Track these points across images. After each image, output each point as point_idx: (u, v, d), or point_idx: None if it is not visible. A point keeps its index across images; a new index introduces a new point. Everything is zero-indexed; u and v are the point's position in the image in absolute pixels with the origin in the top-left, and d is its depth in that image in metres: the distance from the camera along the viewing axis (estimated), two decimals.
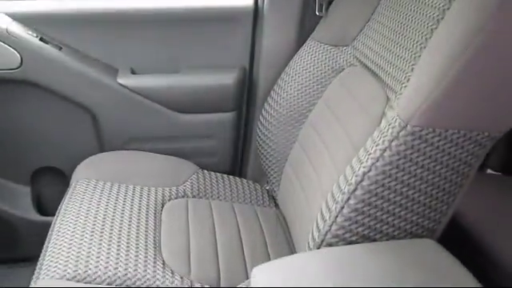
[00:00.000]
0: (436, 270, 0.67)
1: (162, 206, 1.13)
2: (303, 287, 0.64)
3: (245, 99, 1.43)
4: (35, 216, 1.43)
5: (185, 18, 1.36)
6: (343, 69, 1.10)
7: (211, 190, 1.25)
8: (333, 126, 1.00)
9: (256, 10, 1.35)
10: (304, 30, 1.30)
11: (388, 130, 0.73)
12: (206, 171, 1.32)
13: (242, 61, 1.40)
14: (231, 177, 1.34)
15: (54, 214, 1.28)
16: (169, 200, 1.16)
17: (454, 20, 0.70)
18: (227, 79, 1.36)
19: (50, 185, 1.47)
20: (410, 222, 0.76)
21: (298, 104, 1.19)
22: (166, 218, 1.09)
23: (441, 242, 0.76)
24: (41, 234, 1.25)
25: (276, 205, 1.26)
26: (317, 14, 1.24)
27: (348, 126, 0.92)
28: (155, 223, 1.06)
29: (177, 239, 1.03)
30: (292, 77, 1.22)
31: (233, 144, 1.44)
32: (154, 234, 1.02)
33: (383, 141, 0.72)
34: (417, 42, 0.79)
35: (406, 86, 0.76)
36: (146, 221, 1.05)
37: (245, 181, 1.35)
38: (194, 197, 1.21)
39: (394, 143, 0.71)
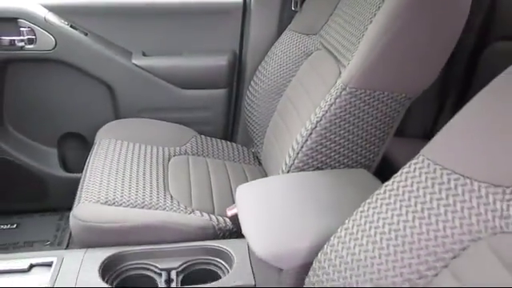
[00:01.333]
0: (363, 186, 0.96)
1: (169, 160, 1.41)
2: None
3: (235, 78, 1.71)
4: (61, 173, 1.70)
5: (186, 11, 1.64)
6: (312, 52, 1.38)
7: (207, 150, 1.53)
8: (302, 96, 1.28)
9: (245, 6, 1.63)
10: (283, 22, 1.58)
11: (334, 91, 1.02)
12: (203, 136, 1.60)
13: (233, 46, 1.68)
14: (223, 141, 1.62)
15: (77, 172, 1.56)
16: (173, 156, 1.44)
17: (382, 10, 0.99)
18: (221, 61, 1.65)
19: (73, 147, 1.73)
20: (351, 159, 1.05)
21: (276, 81, 1.47)
22: (172, 168, 1.37)
23: None
24: (66, 187, 1.54)
25: (260, 164, 1.55)
26: (293, 9, 1.53)
27: (312, 94, 1.20)
28: (164, 171, 1.34)
29: (181, 182, 1.31)
30: (273, 59, 1.50)
31: (225, 115, 1.72)
32: (164, 178, 1.30)
33: (330, 99, 1.01)
34: (360, 30, 1.07)
35: (349, 62, 1.05)
36: (157, 169, 1.33)
37: (235, 144, 1.63)
38: (193, 155, 1.49)
39: (337, 100, 1.00)
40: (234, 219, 1.04)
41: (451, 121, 0.70)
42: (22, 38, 1.49)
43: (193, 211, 1.18)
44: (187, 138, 1.55)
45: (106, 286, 0.92)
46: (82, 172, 1.32)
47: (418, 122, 1.57)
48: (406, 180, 0.69)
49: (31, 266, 0.96)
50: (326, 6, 1.38)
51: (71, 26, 1.53)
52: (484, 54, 1.50)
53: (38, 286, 0.91)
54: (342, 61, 1.12)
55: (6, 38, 1.49)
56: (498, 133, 0.63)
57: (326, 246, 0.75)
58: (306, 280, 0.78)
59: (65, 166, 1.73)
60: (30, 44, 1.50)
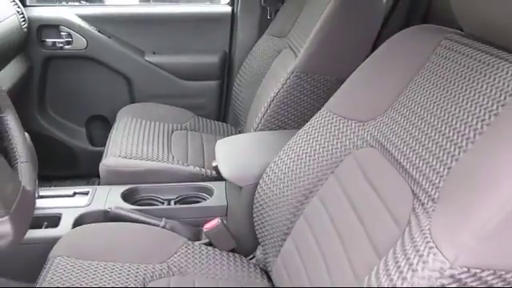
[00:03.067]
0: None
1: (172, 133, 1.80)
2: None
3: (226, 72, 2.13)
4: (88, 146, 2.13)
5: (187, 18, 2.07)
6: (281, 51, 1.76)
7: (202, 127, 1.93)
8: (271, 83, 1.68)
9: (233, 15, 2.06)
10: (262, 28, 1.99)
11: (288, 75, 1.41)
12: (200, 117, 2.00)
13: (223, 47, 2.11)
14: (216, 121, 2.02)
15: (100, 145, 1.96)
16: (175, 130, 1.83)
17: (324, 12, 1.38)
18: (214, 59, 2.07)
19: (97, 126, 2.15)
20: (300, 123, 1.44)
21: (256, 74, 1.85)
22: (175, 139, 1.76)
23: None
24: (92, 158, 1.94)
25: None
26: (268, 17, 1.95)
27: (276, 79, 1.60)
28: (168, 140, 1.73)
29: (180, 147, 1.70)
30: (254, 57, 1.91)
31: (217, 101, 2.14)
32: (168, 144, 1.69)
33: (285, 79, 1.41)
34: (310, 30, 1.47)
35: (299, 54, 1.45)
36: (163, 138, 1.73)
37: (225, 124, 2.03)
38: (191, 130, 1.88)
39: (288, 80, 1.40)
40: (216, 169, 1.44)
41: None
42: (61, 40, 1.93)
43: (188, 165, 1.58)
44: (187, 118, 1.95)
45: (127, 204, 1.32)
46: (104, 146, 1.69)
47: None
48: (310, 123, 1.09)
49: (74, 194, 1.37)
50: (292, 15, 1.79)
51: (98, 31, 1.96)
52: None
53: (76, 205, 1.30)
54: (297, 54, 1.52)
55: (50, 40, 1.92)
56: (370, 85, 1.02)
57: (267, 169, 1.14)
58: (256, 193, 1.17)
59: (91, 141, 2.16)
60: (67, 45, 1.94)
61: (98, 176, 1.52)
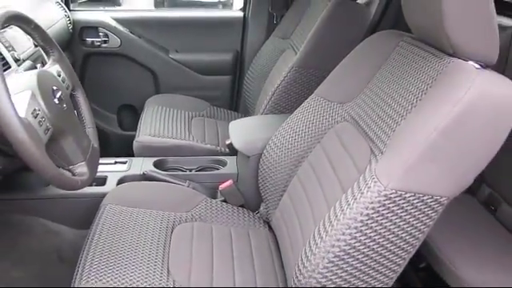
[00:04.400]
0: None
1: (191, 119, 2.11)
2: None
3: (237, 68, 2.43)
4: (119, 130, 2.45)
5: (205, 22, 2.39)
6: (285, 50, 2.06)
7: (217, 115, 2.22)
8: (275, 76, 1.97)
9: (244, 19, 2.37)
10: (269, 31, 2.30)
11: (288, 69, 1.71)
12: (215, 107, 2.30)
13: (236, 47, 2.42)
14: (229, 110, 2.33)
15: (129, 130, 2.28)
16: (194, 117, 2.14)
17: (321, 16, 1.69)
18: (227, 56, 2.38)
19: (127, 114, 2.47)
20: None
21: (263, 69, 2.15)
22: (194, 123, 2.06)
23: None
24: (122, 141, 2.25)
25: None
26: (275, 22, 2.25)
27: (280, 71, 1.89)
28: (188, 124, 2.03)
29: (199, 129, 2.00)
30: (261, 56, 2.21)
31: (230, 92, 2.45)
32: (188, 127, 2.00)
33: (286, 72, 1.70)
34: (309, 30, 1.77)
35: (300, 51, 1.75)
36: (184, 122, 2.04)
37: (237, 113, 2.33)
38: (207, 117, 2.18)
39: (289, 74, 1.70)
40: (229, 146, 1.73)
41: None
42: (99, 39, 2.25)
43: (206, 143, 1.89)
44: (204, 107, 2.25)
45: (157, 170, 1.62)
46: (132, 130, 1.98)
47: None
48: (302, 105, 1.38)
49: (115, 162, 1.67)
50: (295, 20, 2.09)
51: (130, 32, 2.28)
52: None
53: (118, 170, 1.61)
54: (297, 53, 1.82)
55: (89, 39, 2.24)
56: (348, 76, 1.31)
57: (269, 142, 1.44)
58: (260, 161, 1.46)
59: (121, 126, 2.47)
60: (104, 43, 2.26)
61: (128, 155, 1.76)
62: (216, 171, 1.66)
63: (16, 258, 1.47)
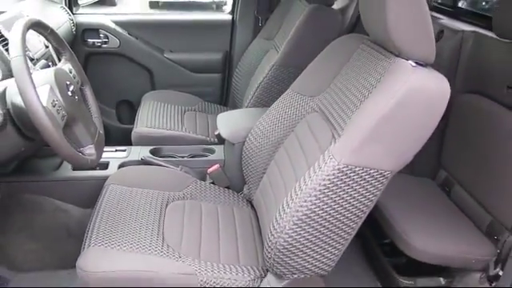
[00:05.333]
0: None
1: (184, 113, 2.30)
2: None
3: (227, 66, 2.63)
4: (117, 123, 2.64)
5: (197, 24, 2.59)
6: (269, 50, 2.26)
7: (208, 110, 2.42)
8: (260, 75, 2.17)
9: (232, 21, 2.57)
10: (255, 33, 2.49)
11: (271, 68, 1.91)
12: (206, 102, 2.49)
13: (225, 47, 2.61)
14: (219, 105, 2.52)
15: (127, 123, 2.47)
16: (186, 111, 2.33)
17: (297, 21, 1.89)
18: (218, 56, 2.59)
19: (125, 109, 2.66)
20: None
21: (249, 67, 2.34)
22: (186, 116, 2.26)
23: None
24: (121, 134, 2.44)
25: None
26: (260, 25, 2.45)
27: (263, 70, 2.09)
28: (181, 116, 2.23)
29: (191, 122, 2.20)
30: (248, 55, 2.40)
31: (220, 89, 2.65)
32: (181, 118, 2.20)
33: (269, 71, 1.90)
34: (288, 33, 1.97)
35: (279, 51, 1.95)
36: (176, 115, 2.23)
37: (226, 108, 2.53)
38: (199, 111, 2.37)
39: (271, 71, 1.89)
40: (217, 136, 1.93)
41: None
42: (100, 40, 2.44)
43: (197, 134, 2.08)
44: (196, 102, 2.44)
45: (154, 157, 1.81)
46: (129, 124, 2.17)
47: None
48: (279, 99, 1.57)
49: (116, 150, 1.86)
50: (277, 23, 2.28)
51: (129, 33, 2.47)
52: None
53: (119, 156, 1.80)
54: (278, 51, 2.02)
55: (91, 40, 2.44)
56: (318, 73, 1.50)
57: (251, 131, 1.63)
58: (244, 148, 1.65)
59: (119, 119, 2.66)
60: (104, 44, 2.45)
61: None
62: (205, 158, 1.86)
63: (30, 233, 1.67)
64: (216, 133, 1.95)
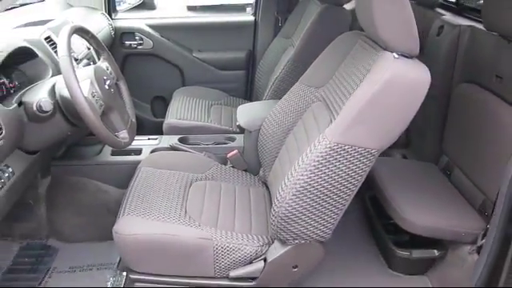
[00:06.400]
0: None
1: (211, 106, 2.51)
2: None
3: (250, 64, 2.82)
4: (152, 117, 2.88)
5: (223, 25, 2.80)
6: (287, 48, 2.43)
7: (233, 104, 2.60)
8: (278, 70, 2.35)
9: (255, 22, 2.76)
10: (275, 32, 2.67)
11: (286, 63, 2.08)
12: (231, 97, 2.69)
13: (248, 46, 2.81)
14: (243, 100, 2.71)
15: (160, 117, 2.69)
16: (213, 105, 2.54)
17: (310, 20, 2.06)
18: (242, 54, 2.79)
19: (158, 104, 2.89)
20: None
21: (270, 65, 2.52)
22: (212, 110, 2.47)
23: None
24: (155, 126, 2.65)
25: None
26: (280, 25, 2.63)
27: (280, 66, 2.27)
28: (208, 110, 2.44)
29: (216, 113, 2.41)
30: (269, 54, 2.58)
31: (244, 85, 2.84)
32: (208, 111, 2.41)
33: (284, 65, 2.08)
34: (301, 33, 2.15)
35: (294, 48, 2.12)
36: (203, 108, 2.44)
37: (249, 102, 2.70)
38: (225, 105, 2.57)
39: (286, 66, 2.07)
40: (239, 126, 2.12)
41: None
42: (136, 42, 2.69)
43: (221, 125, 2.28)
44: (222, 97, 2.65)
45: (181, 144, 2.03)
46: (162, 118, 2.37)
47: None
48: (289, 91, 1.75)
49: (148, 138, 2.09)
50: (295, 23, 2.45)
51: (161, 35, 2.71)
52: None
53: (150, 144, 2.03)
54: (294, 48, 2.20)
55: (128, 43, 2.69)
56: (323, 65, 1.67)
57: (265, 120, 1.81)
58: (259, 135, 1.83)
59: (154, 114, 2.90)
60: (139, 46, 2.69)
61: None
62: (227, 145, 2.06)
63: (74, 210, 1.92)
64: (238, 123, 2.14)
